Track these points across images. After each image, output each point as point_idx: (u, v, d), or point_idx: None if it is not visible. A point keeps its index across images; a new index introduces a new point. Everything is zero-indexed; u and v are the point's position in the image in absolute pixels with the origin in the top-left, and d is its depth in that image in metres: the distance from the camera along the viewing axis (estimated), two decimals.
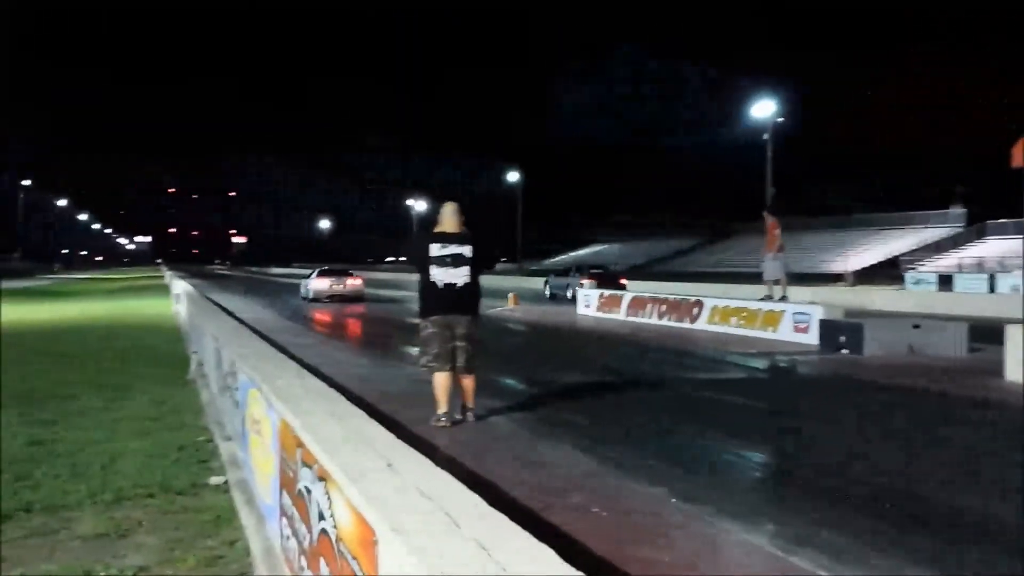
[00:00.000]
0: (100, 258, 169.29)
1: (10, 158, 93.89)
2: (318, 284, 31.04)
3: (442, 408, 7.21)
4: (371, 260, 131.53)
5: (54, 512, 4.94)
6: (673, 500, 5.24)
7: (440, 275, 7.08)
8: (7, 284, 49.41)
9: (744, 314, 16.94)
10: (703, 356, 13.70)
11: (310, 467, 3.25)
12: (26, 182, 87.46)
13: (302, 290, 32.85)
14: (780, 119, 40.71)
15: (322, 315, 24.35)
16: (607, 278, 32.63)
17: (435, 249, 7.11)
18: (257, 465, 4.85)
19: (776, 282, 17.80)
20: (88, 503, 5.10)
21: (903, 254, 48.75)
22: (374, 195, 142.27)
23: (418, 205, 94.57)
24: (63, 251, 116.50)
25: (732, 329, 16.95)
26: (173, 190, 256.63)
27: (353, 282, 32.03)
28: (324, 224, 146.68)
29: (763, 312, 16.40)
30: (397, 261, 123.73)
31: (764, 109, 40.72)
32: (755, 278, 24.34)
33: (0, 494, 5.22)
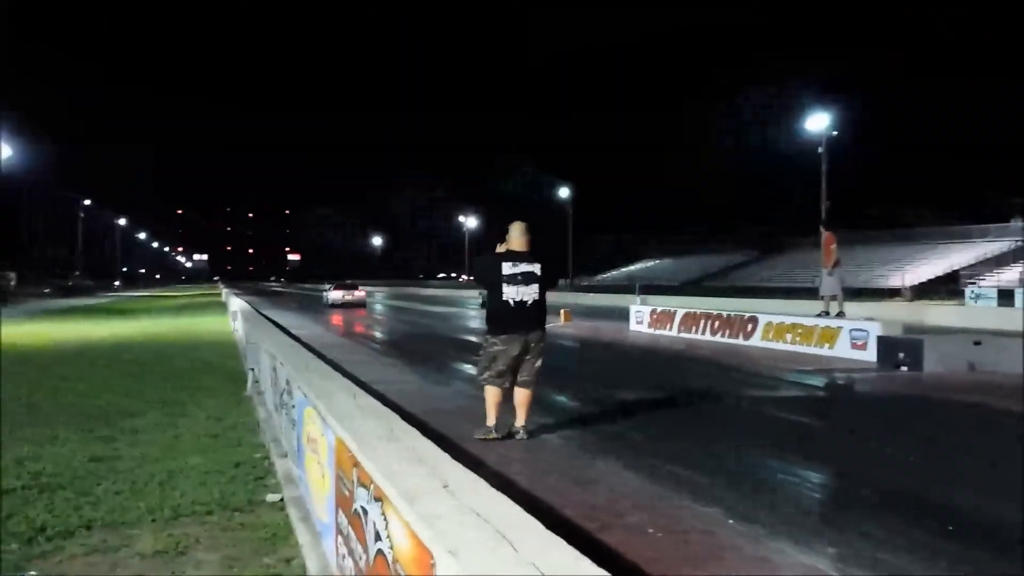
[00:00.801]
0: (159, 276, 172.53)
1: (71, 178, 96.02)
2: (334, 294, 42.32)
3: (492, 421, 7.34)
4: (421, 276, 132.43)
5: (115, 529, 5.02)
6: (730, 520, 5.18)
7: (512, 293, 7.18)
8: (71, 302, 50.63)
9: (800, 330, 16.73)
10: (758, 373, 13.54)
11: (366, 487, 3.27)
12: (86, 201, 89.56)
13: (324, 299, 43.34)
14: (835, 132, 40.23)
15: (373, 331, 24.57)
16: None
17: (507, 268, 7.21)
18: (313, 483, 4.89)
19: (833, 298, 17.54)
20: (147, 520, 5.18)
21: (962, 268, 47.70)
22: (425, 211, 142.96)
23: (469, 222, 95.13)
24: (123, 269, 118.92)
25: (787, 346, 16.75)
26: (230, 208, 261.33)
27: (358, 293, 43.33)
28: (376, 241, 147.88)
29: (819, 328, 16.18)
30: (448, 277, 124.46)
31: (818, 122, 40.27)
32: (810, 293, 24.05)
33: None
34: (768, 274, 57.59)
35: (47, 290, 67.47)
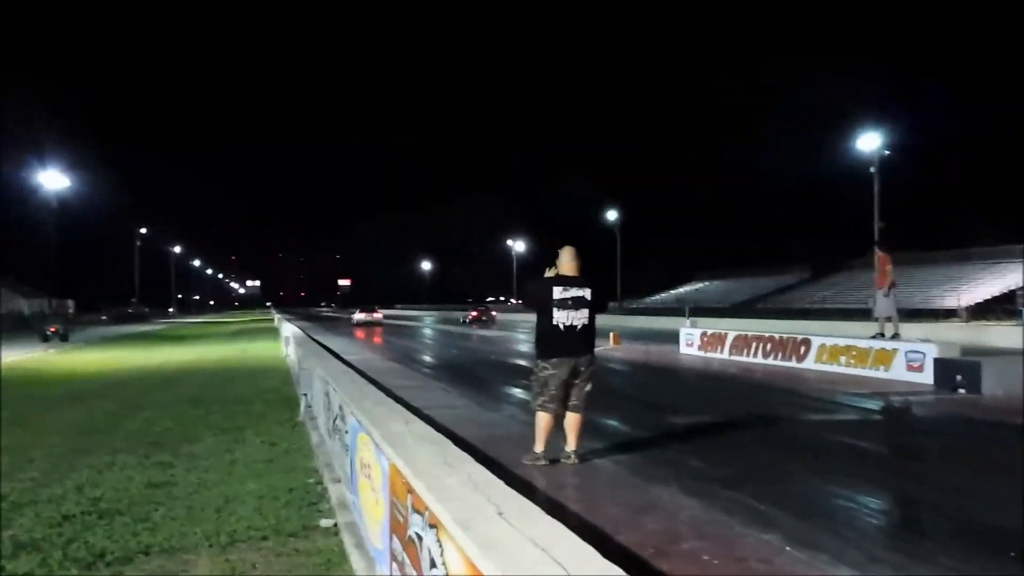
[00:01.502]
0: (212, 302, 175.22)
1: (126, 207, 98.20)
2: (358, 315, 56.13)
3: (540, 447, 7.34)
4: (470, 300, 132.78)
5: (172, 554, 5.09)
6: (788, 547, 5.10)
7: (562, 317, 7.22)
8: (127, 329, 51.61)
9: (854, 353, 16.47)
10: (812, 396, 13.34)
11: (421, 514, 3.28)
12: (143, 230, 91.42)
13: (351, 319, 56.88)
14: (887, 151, 39.70)
15: (424, 356, 24.67)
16: None
17: (557, 292, 7.25)
18: (367, 509, 4.91)
19: (888, 319, 17.26)
20: (204, 545, 5.24)
21: (1019, 288, 46.58)
22: (475, 236, 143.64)
23: (518, 245, 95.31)
24: (178, 296, 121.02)
25: (842, 368, 16.50)
26: (281, 235, 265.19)
27: (376, 315, 57.01)
28: (426, 266, 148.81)
29: (874, 351, 15.91)
30: (497, 300, 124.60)
31: (870, 142, 39.78)
32: (864, 315, 23.70)
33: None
34: (821, 295, 56.74)
35: (104, 317, 68.89)
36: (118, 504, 6.27)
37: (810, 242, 72.03)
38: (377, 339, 35.25)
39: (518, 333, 37.58)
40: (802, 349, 18.02)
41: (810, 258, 68.44)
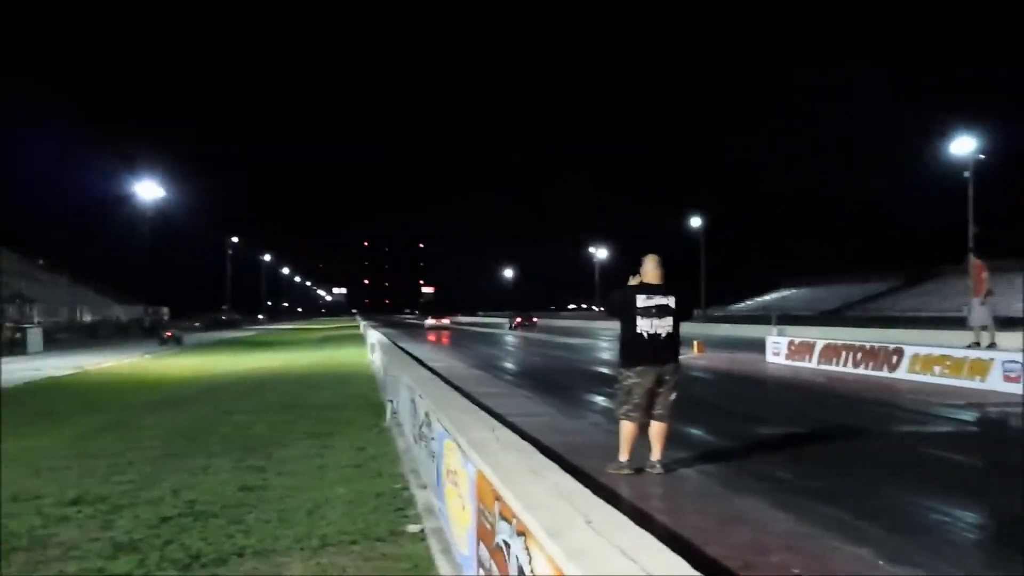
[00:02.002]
0: (300, 309, 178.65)
1: (220, 217, 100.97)
2: (429, 321, 70.21)
3: (625, 456, 7.31)
4: (553, 308, 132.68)
5: (265, 557, 5.20)
6: (880, 562, 4.98)
7: (646, 326, 7.20)
8: (220, 335, 53.01)
9: (948, 363, 15.98)
10: (905, 407, 12.98)
11: (508, 521, 3.30)
12: (234, 239, 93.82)
13: (423, 324, 70.47)
14: (982, 155, 38.37)
15: (506, 363, 24.76)
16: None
17: (641, 300, 7.24)
18: (453, 515, 4.95)
19: (984, 328, 16.68)
20: (296, 548, 5.34)
21: None
22: (556, 243, 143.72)
23: (600, 252, 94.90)
24: (267, 303, 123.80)
25: (935, 379, 16.02)
26: (367, 243, 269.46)
27: (444, 320, 70.72)
28: (508, 273, 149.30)
29: (969, 360, 15.42)
30: (579, 308, 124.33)
31: (964, 146, 38.53)
32: (959, 324, 22.91)
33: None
34: (913, 303, 55.14)
35: (197, 324, 70.91)
36: (213, 507, 6.43)
37: (902, 248, 70.19)
38: (445, 340, 42.82)
39: (567, 338, 37.41)
40: (894, 358, 17.55)
41: (902, 264, 66.59)
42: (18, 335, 32.36)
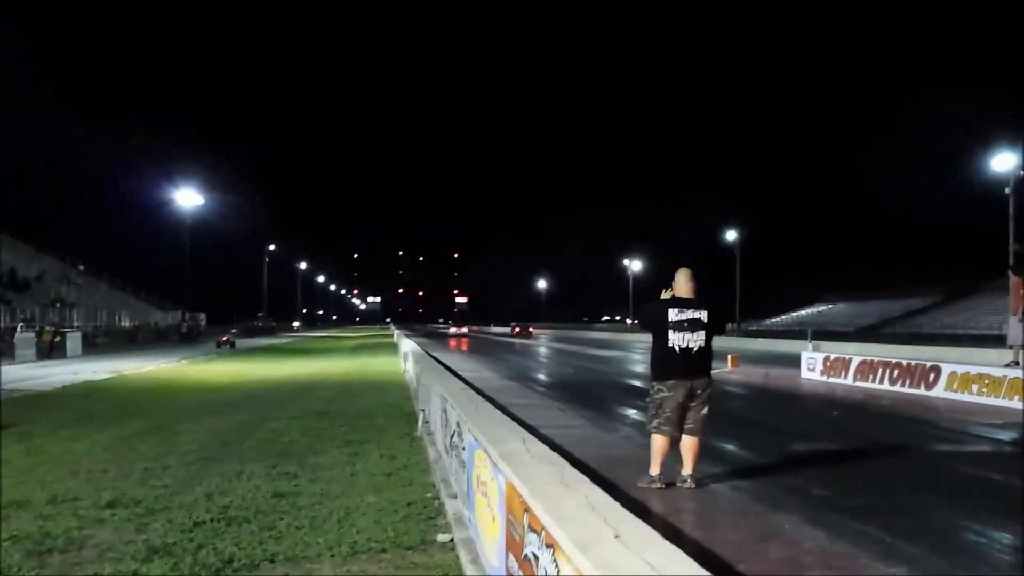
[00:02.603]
0: (335, 317, 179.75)
1: (257, 225, 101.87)
2: (452, 329, 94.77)
3: (656, 470, 7.29)
4: (586, 319, 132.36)
5: (296, 563, 5.23)
6: None
7: (678, 340, 7.19)
8: (256, 342, 53.46)
9: (987, 381, 15.71)
10: (942, 426, 12.79)
11: (538, 533, 3.30)
12: (271, 246, 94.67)
13: (448, 331, 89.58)
14: (1023, 171, 37.75)
15: (538, 374, 24.74)
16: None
17: (673, 314, 7.23)
18: (483, 525, 4.96)
19: (1023, 347, 16.42)
20: (327, 555, 5.37)
21: None
22: (590, 254, 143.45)
23: (634, 265, 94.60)
24: (303, 311, 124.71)
25: (973, 397, 15.76)
26: (402, 252, 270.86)
27: (463, 328, 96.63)
28: (542, 284, 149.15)
29: (1008, 379, 15.14)
30: (613, 319, 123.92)
31: (1005, 162, 37.97)
32: (998, 341, 22.59)
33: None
34: (952, 320, 54.36)
35: (234, 330, 71.66)
36: (246, 512, 6.49)
37: (941, 264, 69.19)
38: (464, 346, 48.99)
39: (573, 346, 37.28)
40: (931, 376, 17.30)
41: (941, 281, 65.64)
42: (58, 339, 32.90)
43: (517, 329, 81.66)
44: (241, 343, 50.16)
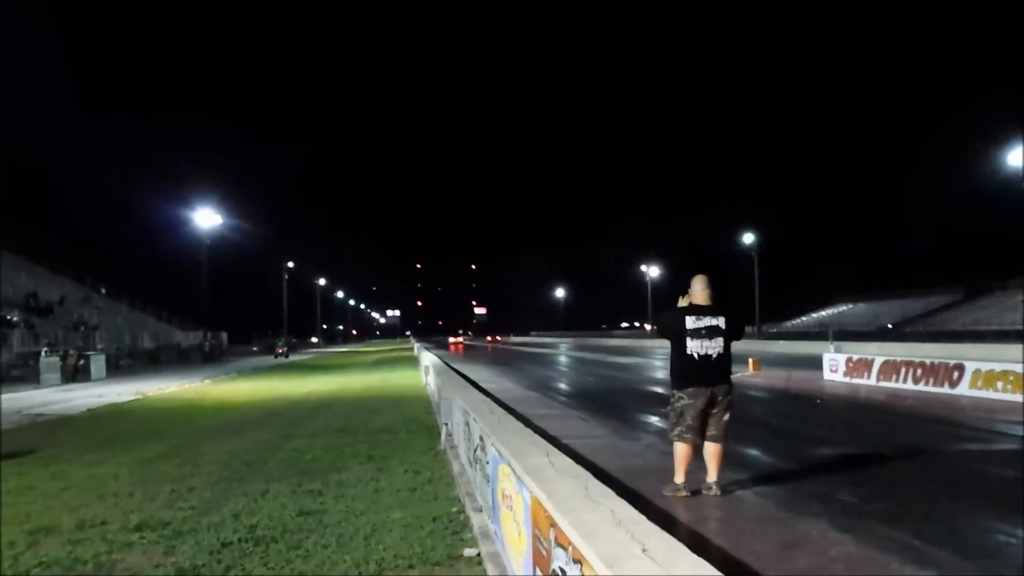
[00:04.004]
0: (355, 332, 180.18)
1: (275, 242, 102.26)
2: (453, 339, 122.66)
3: (680, 478, 7.29)
4: (605, 326, 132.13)
5: None
6: None
7: (696, 347, 7.19)
8: (277, 359, 53.65)
9: (1011, 378, 15.59)
10: (968, 425, 12.69)
11: (565, 548, 3.30)
12: (290, 264, 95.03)
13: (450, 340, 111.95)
14: None
15: (560, 384, 24.71)
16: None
17: (691, 322, 7.23)
18: (509, 539, 4.96)
19: None
20: (355, 573, 5.39)
21: None
22: (609, 262, 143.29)
23: (652, 271, 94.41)
24: (323, 326, 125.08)
25: (999, 395, 15.64)
26: (420, 265, 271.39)
27: (461, 338, 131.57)
28: (559, 292, 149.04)
29: None
30: (632, 327, 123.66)
31: (1020, 156, 37.66)
32: (1021, 337, 22.39)
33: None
34: (973, 317, 53.93)
35: (255, 348, 71.96)
36: (272, 531, 6.52)
37: (961, 261, 68.64)
38: (460, 349, 58.02)
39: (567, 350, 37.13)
40: (955, 375, 17.18)
41: (962, 278, 65.13)
42: (82, 362, 33.16)
43: (489, 338, 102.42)
44: (262, 360, 50.38)
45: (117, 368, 37.87)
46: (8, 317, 36.99)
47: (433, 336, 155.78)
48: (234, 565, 5.62)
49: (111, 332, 47.25)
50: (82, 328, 42.56)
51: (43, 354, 31.52)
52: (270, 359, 54.93)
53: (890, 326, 61.64)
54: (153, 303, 64.16)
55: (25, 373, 30.86)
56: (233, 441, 12.31)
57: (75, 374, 31.71)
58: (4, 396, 23.98)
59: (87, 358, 33.88)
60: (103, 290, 57.81)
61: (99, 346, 40.63)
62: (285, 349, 60.49)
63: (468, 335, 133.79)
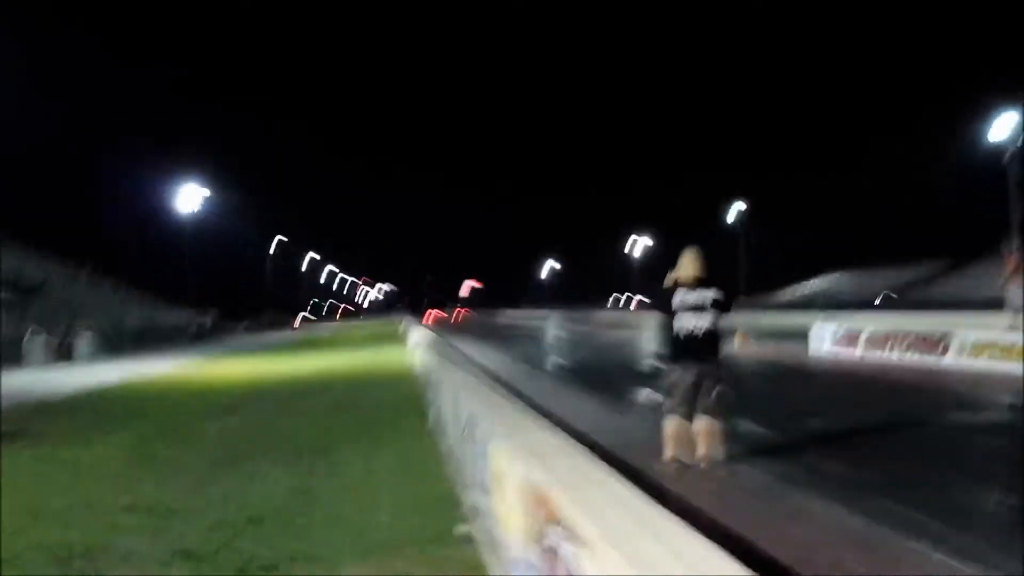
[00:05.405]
0: (345, 307, 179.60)
1: (261, 217, 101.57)
2: (430, 311, 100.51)
3: (671, 452, 7.30)
4: (593, 301, 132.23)
5: (318, 561, 5.24)
6: (936, 555, 4.90)
7: (686, 322, 7.18)
8: (267, 337, 53.52)
9: (999, 347, 15.66)
10: (956, 395, 12.75)
11: (556, 525, 3.29)
12: (279, 237, 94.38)
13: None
14: (1021, 142, 37.46)
15: (552, 358, 24.74)
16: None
17: (680, 297, 7.22)
18: (502, 516, 4.95)
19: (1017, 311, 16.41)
20: (348, 552, 5.38)
21: None
22: (598, 233, 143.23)
23: (641, 243, 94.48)
24: (313, 300, 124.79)
25: (986, 363, 15.70)
26: (411, 241, 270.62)
27: (432, 311, 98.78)
28: (548, 267, 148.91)
29: (1019, 346, 15.08)
30: (622, 300, 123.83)
31: (1004, 128, 37.61)
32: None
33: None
34: (962, 285, 54.19)
35: (245, 324, 71.69)
36: (265, 511, 6.50)
37: (948, 230, 68.83)
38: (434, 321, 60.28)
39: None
40: (942, 345, 17.26)
41: (947, 248, 65.37)
42: (68, 343, 32.98)
43: (459, 311, 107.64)
44: (251, 339, 50.28)
45: (105, 348, 37.68)
46: None
47: (424, 310, 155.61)
48: (227, 545, 5.60)
49: (97, 312, 46.99)
50: (67, 308, 42.31)
51: (28, 335, 31.32)
52: (260, 338, 54.81)
53: (888, 295, 61.91)
54: (139, 282, 63.83)
55: (10, 353, 30.66)
56: (223, 421, 12.28)
57: (61, 355, 31.55)
58: None
59: (73, 338, 33.70)
60: (87, 270, 57.44)
61: (85, 326, 40.42)
62: (299, 324, 71.20)
63: (464, 310, 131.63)
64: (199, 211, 57.73)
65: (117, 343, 39.91)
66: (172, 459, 9.15)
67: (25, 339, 30.71)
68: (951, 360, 16.75)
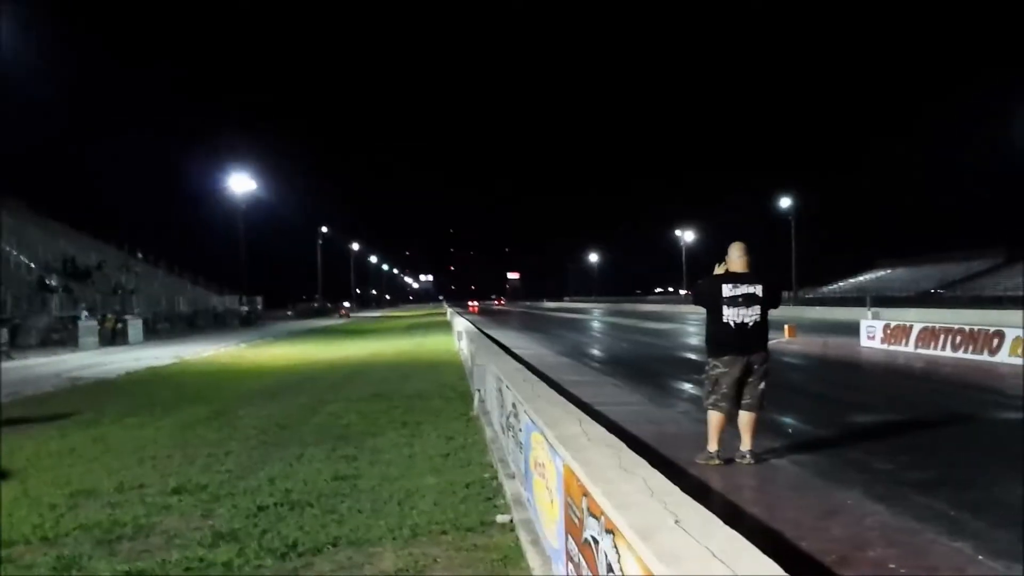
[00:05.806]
0: (388, 297, 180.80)
1: (309, 207, 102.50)
2: (472, 303, 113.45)
3: (714, 447, 7.24)
4: (639, 291, 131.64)
5: (359, 547, 5.28)
6: (980, 557, 4.81)
7: (732, 315, 7.12)
8: (312, 323, 54.05)
9: None
10: (1008, 393, 12.50)
11: (597, 518, 3.29)
12: (324, 228, 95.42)
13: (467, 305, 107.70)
14: None
15: (593, 350, 24.70)
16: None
17: (727, 290, 7.17)
18: (542, 507, 4.96)
19: None
20: (388, 538, 5.42)
21: None
22: (643, 226, 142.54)
23: (687, 235, 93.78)
24: (356, 291, 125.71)
25: None
26: (453, 230, 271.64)
27: (474, 302, 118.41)
28: (593, 257, 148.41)
29: None
30: (666, 292, 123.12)
31: None
32: None
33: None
34: (1015, 282, 53.01)
35: (290, 313, 72.52)
36: (308, 496, 6.57)
37: (1001, 225, 67.34)
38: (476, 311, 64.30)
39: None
40: (995, 342, 16.93)
41: (1001, 242, 63.90)
42: (120, 326, 33.61)
43: (472, 303, 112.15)
44: (297, 325, 50.80)
45: (154, 332, 38.34)
46: (47, 281, 37.51)
47: (466, 300, 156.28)
48: (270, 528, 5.67)
49: (148, 296, 47.81)
50: (119, 292, 43.09)
51: (82, 318, 31.95)
52: (306, 323, 55.42)
53: (933, 291, 60.82)
54: (190, 268, 64.81)
55: (64, 337, 31.31)
56: (269, 406, 12.44)
57: (113, 338, 32.17)
58: (43, 359, 24.43)
59: (124, 322, 34.33)
60: (140, 255, 58.42)
61: (136, 310, 41.13)
62: (347, 310, 76.61)
63: (501, 300, 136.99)
64: (247, 200, 58.41)
65: (167, 328, 40.59)
66: (219, 442, 9.29)
67: (80, 322, 31.33)
68: (1003, 358, 16.42)
